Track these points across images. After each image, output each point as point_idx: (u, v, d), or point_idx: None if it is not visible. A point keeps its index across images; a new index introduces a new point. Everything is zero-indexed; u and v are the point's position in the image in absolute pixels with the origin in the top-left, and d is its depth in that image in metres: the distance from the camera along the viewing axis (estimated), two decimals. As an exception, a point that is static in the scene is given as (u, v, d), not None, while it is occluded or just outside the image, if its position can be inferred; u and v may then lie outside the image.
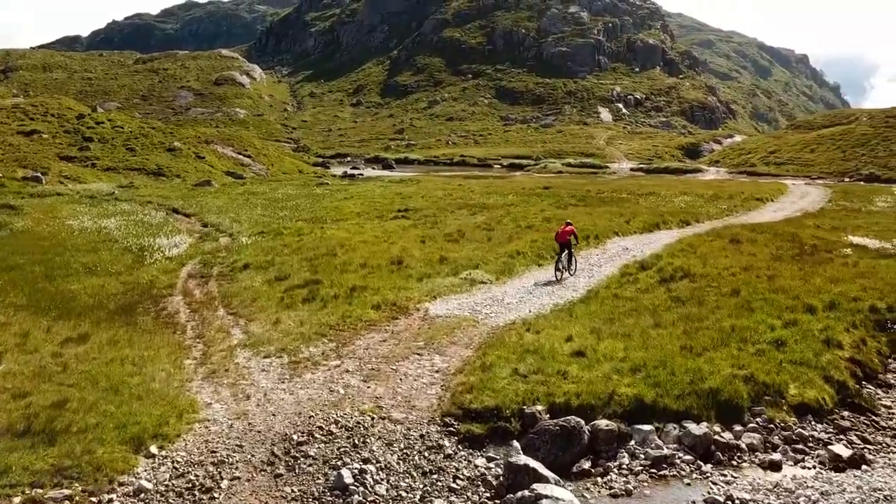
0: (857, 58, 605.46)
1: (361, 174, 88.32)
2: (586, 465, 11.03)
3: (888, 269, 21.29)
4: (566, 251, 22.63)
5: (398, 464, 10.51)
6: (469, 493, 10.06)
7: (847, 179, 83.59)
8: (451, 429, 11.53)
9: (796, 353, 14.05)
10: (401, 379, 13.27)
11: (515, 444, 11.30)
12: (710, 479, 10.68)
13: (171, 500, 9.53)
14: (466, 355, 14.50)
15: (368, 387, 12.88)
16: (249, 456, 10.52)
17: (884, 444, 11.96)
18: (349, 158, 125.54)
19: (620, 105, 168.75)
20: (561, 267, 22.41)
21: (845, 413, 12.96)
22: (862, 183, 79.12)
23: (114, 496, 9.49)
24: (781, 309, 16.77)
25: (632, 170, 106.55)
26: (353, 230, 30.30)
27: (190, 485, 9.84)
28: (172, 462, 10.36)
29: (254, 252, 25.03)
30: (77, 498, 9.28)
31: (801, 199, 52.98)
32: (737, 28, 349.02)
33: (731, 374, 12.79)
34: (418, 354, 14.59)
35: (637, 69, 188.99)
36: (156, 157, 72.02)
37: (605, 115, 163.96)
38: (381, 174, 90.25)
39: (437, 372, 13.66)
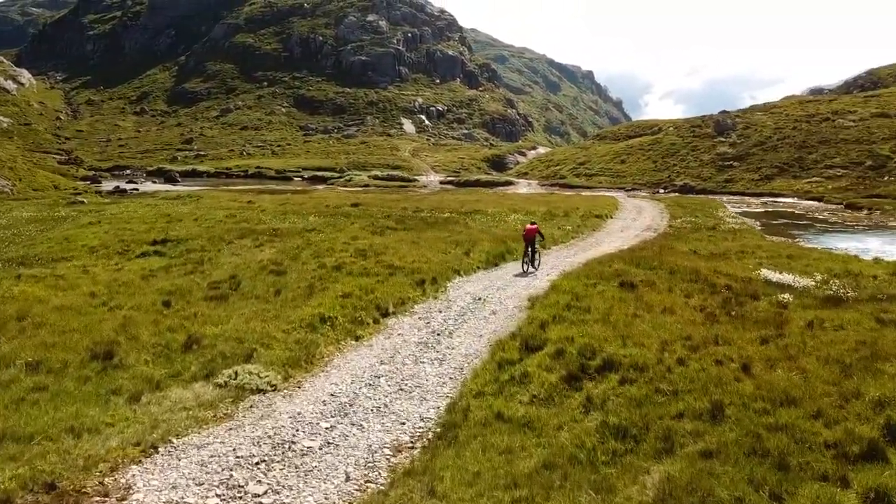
0: (632, 76, 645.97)
1: (136, 189, 76.36)
2: None
3: (867, 328, 14.22)
4: (531, 247, 24.20)
5: None
6: None
7: (662, 191, 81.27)
8: None
9: None
10: None
11: None
12: None
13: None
14: None
15: None
16: None
17: None
18: (129, 171, 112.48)
19: (423, 117, 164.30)
20: (527, 261, 24.20)
21: None
22: (676, 194, 76.76)
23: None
24: (826, 452, 8.81)
25: (441, 183, 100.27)
26: (67, 280, 19.65)
27: None
28: None
29: None
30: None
31: (640, 214, 47.52)
32: (528, 45, 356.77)
33: None
34: None
35: (438, 80, 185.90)
36: None
37: (409, 126, 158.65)
38: (160, 189, 78.14)
39: None
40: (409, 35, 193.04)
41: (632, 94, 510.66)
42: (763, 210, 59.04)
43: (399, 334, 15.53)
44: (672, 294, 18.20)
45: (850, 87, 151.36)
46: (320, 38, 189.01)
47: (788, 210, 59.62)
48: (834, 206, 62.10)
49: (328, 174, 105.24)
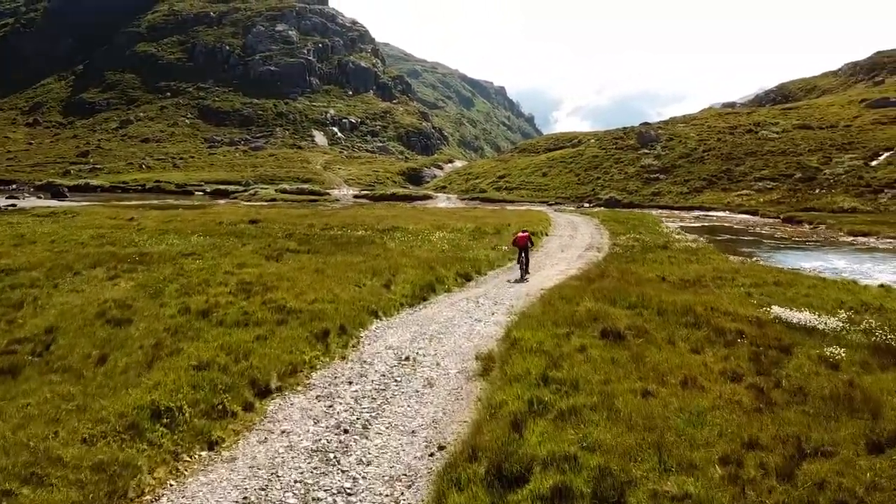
0: (541, 92, 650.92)
1: (14, 205, 68.19)
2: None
3: None
4: (525, 254, 25.22)
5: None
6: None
7: (587, 204, 77.41)
8: None
9: None
10: None
11: None
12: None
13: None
14: None
15: None
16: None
17: None
18: (14, 186, 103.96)
19: (336, 129, 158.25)
20: (522, 266, 25.13)
21: None
22: (602, 208, 72.89)
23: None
24: None
25: (356, 197, 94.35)
26: None
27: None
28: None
29: None
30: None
31: (576, 231, 42.68)
32: (440, 60, 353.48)
33: None
34: None
35: (351, 92, 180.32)
36: None
37: (320, 138, 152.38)
38: (42, 204, 69.90)
39: None
40: (321, 45, 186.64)
41: (542, 109, 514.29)
42: (699, 225, 55.27)
43: (283, 432, 9.74)
44: (676, 349, 12.98)
45: (762, 100, 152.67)
46: (227, 47, 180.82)
47: (725, 224, 56.05)
48: (771, 220, 58.89)
49: (232, 188, 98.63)
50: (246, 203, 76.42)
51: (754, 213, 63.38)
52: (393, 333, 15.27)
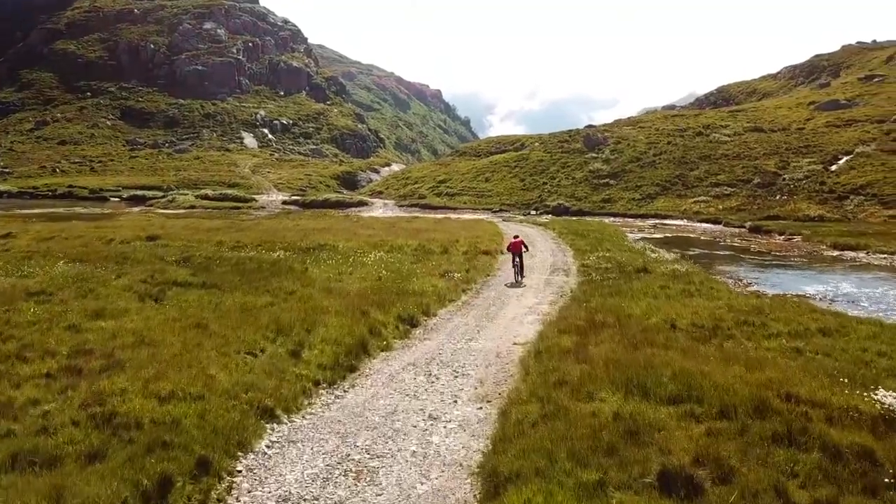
0: (475, 96, 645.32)
1: None
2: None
3: None
4: (519, 258, 26.97)
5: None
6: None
7: (533, 212, 72.53)
8: None
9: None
10: None
11: None
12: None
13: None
14: None
15: None
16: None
17: None
18: None
19: (266, 130, 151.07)
20: (516, 271, 26.85)
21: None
22: (550, 216, 68.03)
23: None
24: None
25: (284, 203, 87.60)
26: None
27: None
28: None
29: None
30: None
31: (534, 246, 36.75)
32: (375, 62, 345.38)
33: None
34: None
35: (282, 93, 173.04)
36: None
37: (250, 140, 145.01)
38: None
39: None
40: (251, 45, 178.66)
41: (477, 113, 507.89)
42: (661, 235, 50.36)
43: None
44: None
45: (702, 103, 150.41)
46: (152, 46, 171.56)
47: (690, 235, 51.31)
48: (737, 230, 54.50)
49: (151, 193, 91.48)
50: (161, 211, 69.04)
51: (717, 222, 59.03)
52: (296, 457, 9.18)
